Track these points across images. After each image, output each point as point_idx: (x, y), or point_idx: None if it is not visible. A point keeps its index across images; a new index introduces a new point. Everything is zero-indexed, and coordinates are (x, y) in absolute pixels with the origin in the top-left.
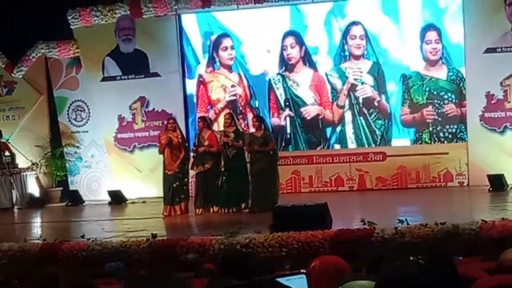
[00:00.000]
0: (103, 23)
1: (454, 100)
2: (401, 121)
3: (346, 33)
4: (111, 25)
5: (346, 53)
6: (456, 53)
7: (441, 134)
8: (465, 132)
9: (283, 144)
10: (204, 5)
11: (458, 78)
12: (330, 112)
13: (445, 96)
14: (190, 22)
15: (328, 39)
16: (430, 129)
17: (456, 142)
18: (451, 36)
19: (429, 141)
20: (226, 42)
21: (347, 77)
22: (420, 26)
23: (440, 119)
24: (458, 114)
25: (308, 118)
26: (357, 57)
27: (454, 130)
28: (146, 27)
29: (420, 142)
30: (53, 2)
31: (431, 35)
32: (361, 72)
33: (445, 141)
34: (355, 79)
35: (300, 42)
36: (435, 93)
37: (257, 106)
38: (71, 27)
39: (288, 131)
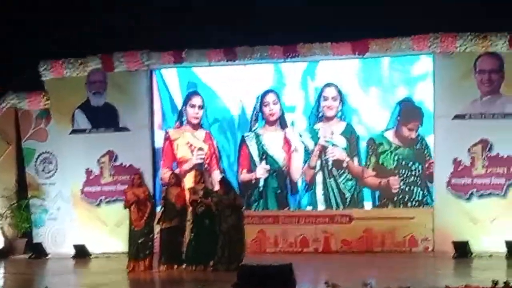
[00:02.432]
0: (74, 75)
1: (420, 170)
2: (364, 182)
3: (320, 94)
4: (83, 78)
5: (320, 114)
6: (424, 120)
7: (408, 202)
8: (428, 196)
9: (257, 198)
10: (176, 61)
11: (423, 146)
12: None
13: (413, 167)
14: (164, 77)
15: (304, 98)
16: (395, 198)
17: (423, 207)
18: (420, 103)
19: (394, 207)
20: (195, 101)
21: (319, 138)
22: (393, 96)
23: (406, 188)
24: (423, 181)
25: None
26: (329, 118)
27: (420, 198)
28: (117, 81)
29: (385, 207)
30: (24, 53)
31: (411, 115)
32: (332, 133)
33: (411, 206)
34: (326, 141)
35: (279, 101)
36: (403, 163)
37: (223, 166)
38: (42, 78)
39: (261, 184)
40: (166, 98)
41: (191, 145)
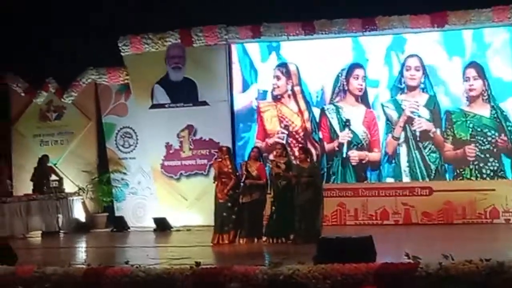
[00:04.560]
0: (153, 50)
1: (497, 138)
2: (444, 157)
3: (403, 64)
4: (161, 53)
5: (403, 85)
6: (501, 88)
7: (483, 171)
8: (506, 167)
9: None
10: (254, 35)
11: (502, 115)
12: (377, 155)
13: (489, 134)
14: (246, 50)
15: (388, 73)
16: (471, 166)
17: (502, 179)
18: (496, 72)
19: (470, 178)
20: (280, 72)
21: (403, 109)
22: (463, 63)
23: (482, 156)
24: (499, 151)
25: (354, 163)
26: (412, 89)
27: (495, 168)
28: (196, 56)
29: (461, 178)
30: (104, 28)
31: (469, 72)
32: (418, 105)
33: (487, 178)
34: (412, 112)
35: (364, 76)
36: (478, 129)
37: (320, 138)
38: (122, 53)
39: (345, 150)
40: (248, 71)
41: (282, 118)
